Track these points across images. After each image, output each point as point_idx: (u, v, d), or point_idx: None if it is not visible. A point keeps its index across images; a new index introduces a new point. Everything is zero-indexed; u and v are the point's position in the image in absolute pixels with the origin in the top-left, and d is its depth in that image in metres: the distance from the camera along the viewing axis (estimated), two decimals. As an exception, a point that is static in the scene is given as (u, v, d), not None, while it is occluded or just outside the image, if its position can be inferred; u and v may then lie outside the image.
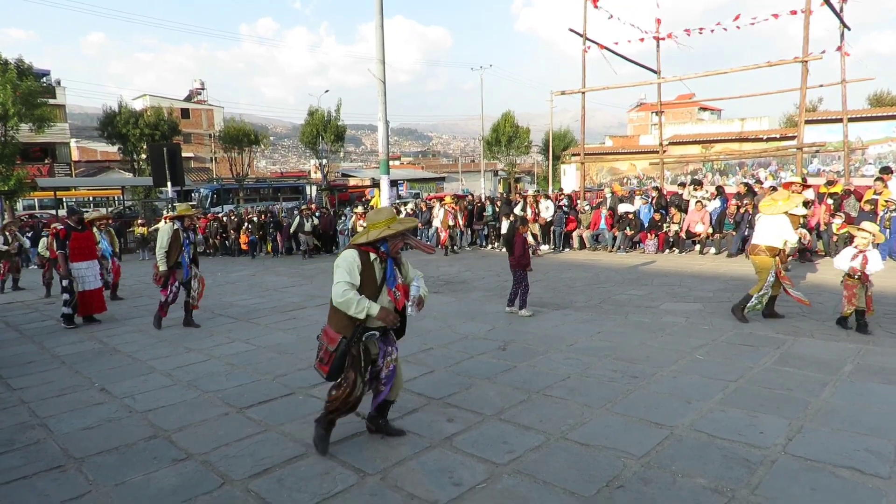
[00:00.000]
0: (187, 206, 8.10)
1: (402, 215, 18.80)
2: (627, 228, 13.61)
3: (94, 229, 9.72)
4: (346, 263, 3.50)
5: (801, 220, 9.14)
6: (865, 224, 6.09)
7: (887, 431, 3.64)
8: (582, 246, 14.63)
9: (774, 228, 6.53)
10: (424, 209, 19.36)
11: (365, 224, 3.68)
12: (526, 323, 7.12)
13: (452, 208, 15.73)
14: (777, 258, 6.55)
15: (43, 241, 13.05)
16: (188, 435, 4.12)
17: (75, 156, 45.41)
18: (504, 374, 5.16)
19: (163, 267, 7.41)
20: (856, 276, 5.85)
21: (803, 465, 3.28)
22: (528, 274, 7.68)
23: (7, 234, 12.76)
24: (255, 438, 4.01)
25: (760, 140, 26.69)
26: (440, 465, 3.50)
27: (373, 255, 3.58)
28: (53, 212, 29.25)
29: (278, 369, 5.64)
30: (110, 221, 11.00)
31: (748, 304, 6.58)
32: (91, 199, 36.31)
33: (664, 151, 18.14)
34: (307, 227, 17.61)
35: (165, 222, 7.94)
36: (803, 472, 3.20)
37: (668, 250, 13.08)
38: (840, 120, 14.58)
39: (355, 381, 3.56)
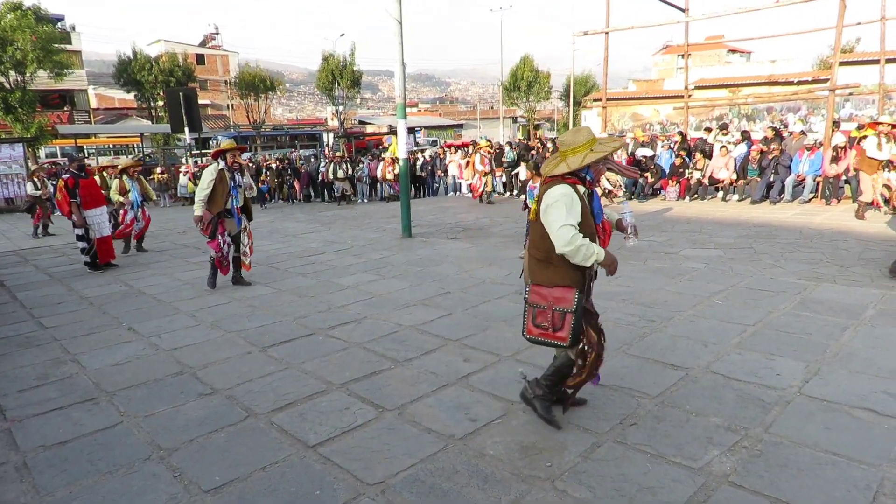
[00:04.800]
0: (230, 140, 6.77)
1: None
2: (648, 175, 13.33)
3: (125, 177, 9.73)
4: (565, 200, 2.89)
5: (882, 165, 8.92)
6: None
7: (907, 375, 3.62)
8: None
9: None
10: (442, 155, 19.15)
11: (563, 149, 3.05)
12: (543, 268, 7.11)
13: (488, 153, 14.76)
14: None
15: (29, 186, 13.24)
16: (213, 371, 4.25)
17: (94, 103, 45.35)
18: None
19: (198, 210, 6.41)
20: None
21: (819, 406, 3.28)
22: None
23: (36, 179, 12.98)
24: (277, 376, 4.12)
25: (791, 83, 25.62)
26: (456, 402, 3.58)
27: (581, 188, 3.00)
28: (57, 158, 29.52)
29: (298, 311, 5.74)
30: (140, 168, 10.72)
31: None
32: (111, 146, 36.50)
33: (689, 96, 17.53)
34: (340, 173, 17.52)
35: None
36: (818, 413, 3.21)
37: (688, 197, 12.83)
38: (877, 61, 13.87)
39: (599, 342, 3.11)
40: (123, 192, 9.67)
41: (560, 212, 2.87)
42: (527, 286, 3.13)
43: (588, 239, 2.89)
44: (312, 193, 19.75)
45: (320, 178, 18.65)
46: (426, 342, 4.66)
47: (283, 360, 4.43)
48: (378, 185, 18.47)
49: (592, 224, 3.03)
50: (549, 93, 48.90)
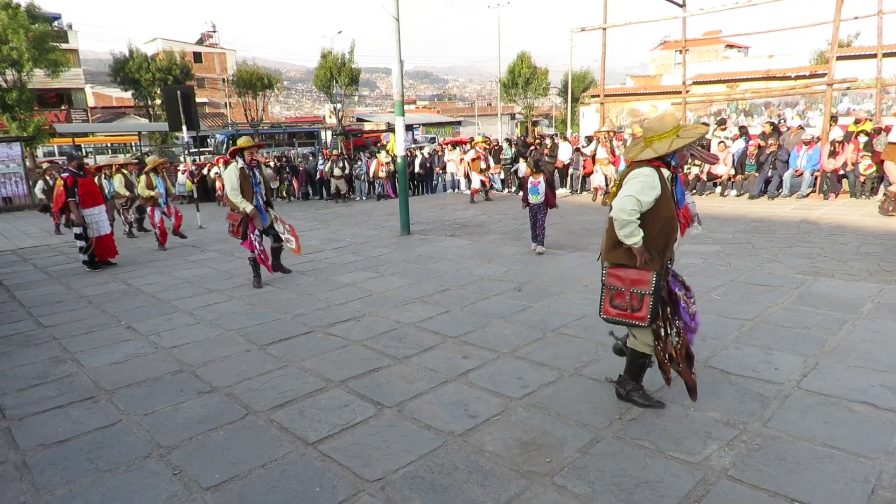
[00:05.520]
0: (247, 138, 6.78)
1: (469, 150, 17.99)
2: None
3: (152, 174, 9.88)
4: (646, 179, 2.99)
5: None
6: None
7: (904, 368, 3.62)
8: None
9: None
10: (441, 152, 19.11)
11: (649, 135, 3.11)
12: (542, 264, 7.11)
13: (484, 149, 14.73)
14: None
15: (39, 185, 13.26)
16: (212, 370, 4.25)
17: (91, 102, 45.22)
18: (519, 313, 5.20)
19: (249, 207, 6.37)
20: None
21: (817, 400, 3.29)
22: (528, 212, 7.96)
23: (48, 178, 13.01)
24: (276, 373, 4.12)
25: (788, 78, 25.60)
26: (456, 399, 3.58)
27: (666, 172, 3.06)
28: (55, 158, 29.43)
29: (297, 309, 5.74)
30: (166, 165, 10.80)
31: None
32: (109, 145, 36.40)
33: (687, 91, 17.51)
34: (336, 171, 17.54)
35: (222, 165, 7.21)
36: (817, 406, 3.22)
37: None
38: (875, 55, 13.85)
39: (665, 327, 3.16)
40: (151, 187, 9.83)
41: (635, 186, 3.00)
42: (604, 268, 3.22)
43: (667, 222, 3.01)
44: (311, 191, 19.74)
45: (318, 176, 18.64)
46: (425, 339, 4.66)
47: (282, 357, 4.43)
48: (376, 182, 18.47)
49: (673, 207, 3.09)
50: (547, 89, 48.81)
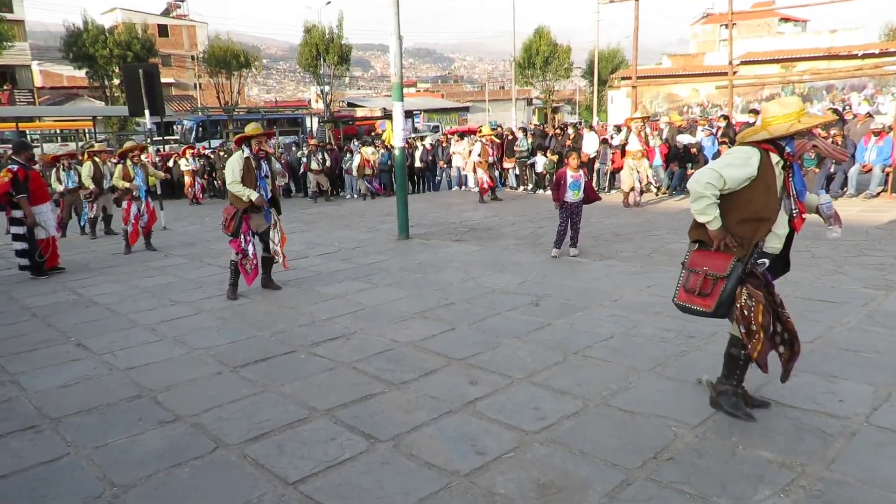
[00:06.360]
0: (256, 124, 6.87)
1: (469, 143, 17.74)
2: (689, 166, 13.31)
3: (128, 162, 9.86)
4: (738, 157, 3.23)
5: None
6: None
7: None
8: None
9: None
10: (445, 143, 19.16)
11: (767, 118, 3.30)
12: (563, 275, 7.11)
13: (490, 140, 14.73)
14: None
15: None
16: (176, 395, 4.25)
17: (38, 81, 45.62)
18: (536, 332, 5.19)
19: (254, 194, 6.46)
20: None
21: (890, 438, 3.26)
22: (560, 213, 8.03)
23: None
24: (251, 400, 4.12)
25: (854, 57, 25.63)
26: (461, 432, 3.57)
27: (775, 157, 3.25)
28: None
29: (276, 324, 5.74)
30: (140, 152, 10.71)
31: None
32: (58, 131, 36.63)
33: (734, 73, 17.54)
34: (314, 164, 17.46)
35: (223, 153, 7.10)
36: (890, 445, 3.19)
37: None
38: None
39: (772, 327, 3.30)
40: (128, 178, 9.82)
41: (722, 162, 3.22)
42: (689, 249, 3.49)
43: (758, 210, 3.19)
44: (293, 187, 19.81)
45: (302, 170, 18.69)
46: (426, 361, 4.66)
47: (258, 381, 4.43)
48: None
49: (776, 200, 3.25)
50: (569, 70, 48.99)
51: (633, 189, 12.27)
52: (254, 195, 6.48)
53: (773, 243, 3.37)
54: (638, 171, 12.25)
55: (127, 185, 9.78)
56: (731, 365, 3.48)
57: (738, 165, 3.17)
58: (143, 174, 9.97)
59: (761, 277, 3.34)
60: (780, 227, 3.35)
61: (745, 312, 3.24)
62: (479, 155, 14.23)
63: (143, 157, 10.62)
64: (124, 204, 9.99)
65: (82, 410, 4.07)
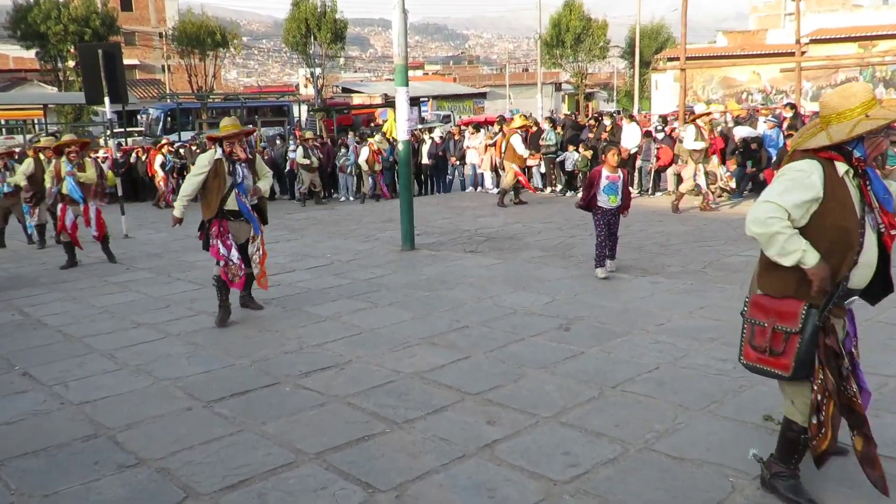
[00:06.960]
0: (232, 120, 6.91)
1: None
2: (749, 163, 13.27)
3: (63, 160, 9.75)
4: (795, 176, 2.96)
5: None
6: None
7: None
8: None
9: None
10: (457, 136, 19.19)
11: (826, 113, 3.07)
12: (599, 293, 7.10)
13: (527, 131, 14.80)
14: None
15: None
16: (139, 434, 4.27)
17: (-20, 64, 46.21)
18: (567, 361, 5.18)
19: (177, 210, 6.59)
20: None
21: None
22: (595, 221, 7.84)
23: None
24: (227, 441, 4.13)
25: (947, 35, 25.51)
26: (476, 481, 3.56)
27: (842, 167, 2.98)
28: None
29: (257, 351, 5.76)
30: (81, 148, 10.57)
31: None
32: (3, 122, 37.05)
33: (803, 53, 17.53)
34: (306, 161, 17.36)
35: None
36: None
37: None
38: None
39: (840, 388, 3.02)
40: (60, 179, 9.78)
41: (777, 187, 2.98)
42: (748, 297, 3.28)
43: (838, 236, 2.92)
44: (277, 189, 19.90)
45: (288, 168, 18.77)
46: (434, 396, 4.66)
47: (235, 419, 4.44)
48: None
49: (854, 218, 2.97)
50: (605, 50, 49.10)
51: (698, 192, 12.18)
52: (178, 210, 6.55)
53: (861, 276, 3.05)
54: (706, 172, 11.97)
55: (23, 182, 9.86)
56: (787, 449, 3.29)
57: (797, 188, 2.92)
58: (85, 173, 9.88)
59: (837, 333, 3.07)
60: (868, 253, 3.03)
61: (819, 397, 3.01)
62: (521, 147, 13.93)
63: (97, 154, 10.65)
64: (59, 209, 9.83)
65: (28, 452, 4.09)
